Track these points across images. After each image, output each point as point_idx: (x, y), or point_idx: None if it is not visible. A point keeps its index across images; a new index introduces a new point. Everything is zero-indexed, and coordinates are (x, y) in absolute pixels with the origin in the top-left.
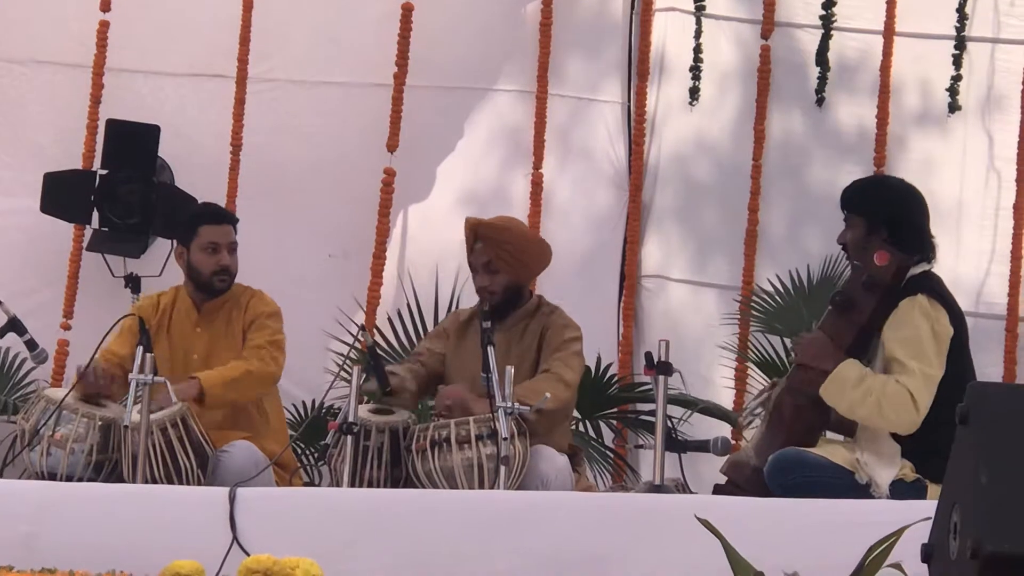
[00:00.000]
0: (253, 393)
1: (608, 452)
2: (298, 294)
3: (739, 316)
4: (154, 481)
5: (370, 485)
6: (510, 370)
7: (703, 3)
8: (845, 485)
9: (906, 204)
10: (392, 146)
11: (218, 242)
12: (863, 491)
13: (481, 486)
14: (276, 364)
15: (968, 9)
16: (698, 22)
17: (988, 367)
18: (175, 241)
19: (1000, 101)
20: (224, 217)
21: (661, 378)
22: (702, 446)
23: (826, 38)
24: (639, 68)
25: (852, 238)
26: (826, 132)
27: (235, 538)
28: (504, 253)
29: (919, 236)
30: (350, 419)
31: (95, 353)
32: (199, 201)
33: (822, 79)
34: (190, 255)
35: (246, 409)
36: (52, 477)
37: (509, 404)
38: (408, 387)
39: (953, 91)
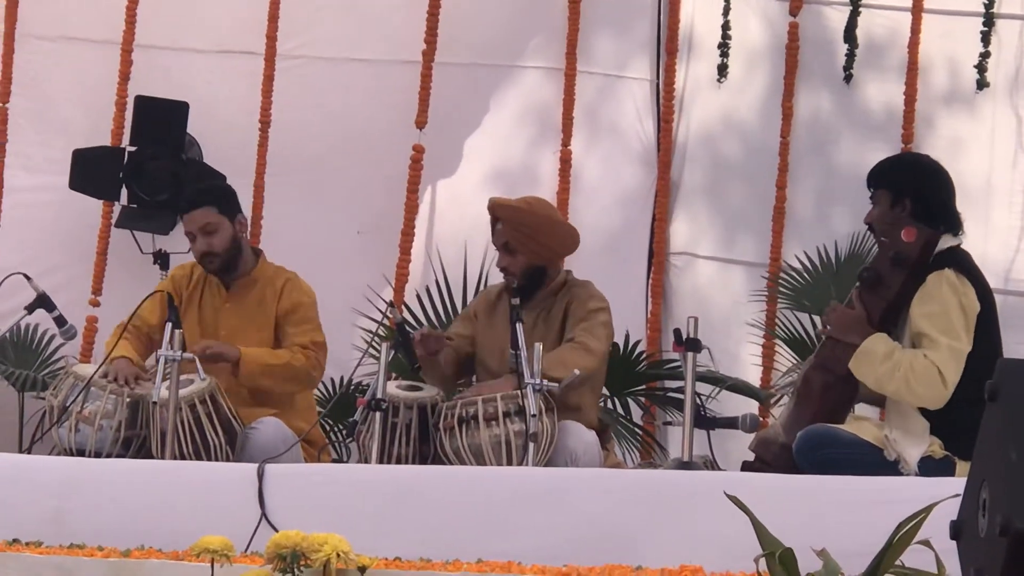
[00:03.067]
0: (287, 386)
1: (636, 429)
2: (326, 271)
3: (767, 293)
4: (183, 457)
5: (398, 462)
6: (538, 347)
7: None
8: (873, 462)
9: (929, 176)
10: (421, 123)
11: (191, 231)
12: (892, 468)
13: (509, 463)
14: (319, 369)
15: None
16: None
17: (1017, 344)
18: None
19: None
20: (192, 203)
21: (690, 355)
22: (730, 423)
23: (854, 15)
24: (668, 45)
25: (879, 212)
26: (854, 110)
27: (263, 514)
28: (520, 235)
29: (943, 209)
30: (378, 396)
31: (121, 334)
32: (227, 177)
33: (850, 57)
34: None
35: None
36: (81, 453)
37: (537, 381)
38: (445, 371)
39: (981, 68)
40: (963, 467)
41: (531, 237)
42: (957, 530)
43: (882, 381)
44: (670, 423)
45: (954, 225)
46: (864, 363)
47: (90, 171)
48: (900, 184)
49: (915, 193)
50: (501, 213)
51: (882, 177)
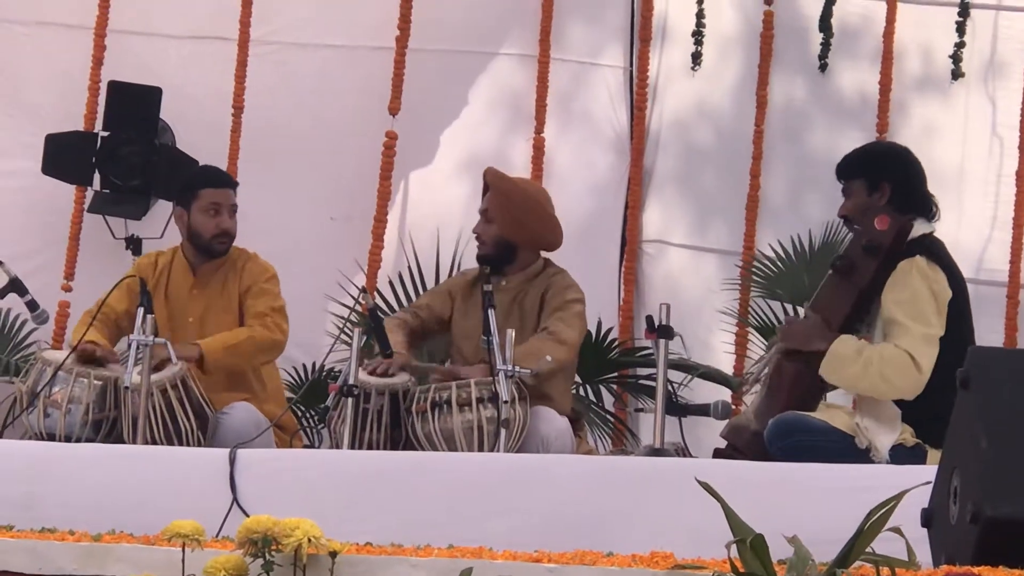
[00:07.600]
0: (256, 359)
1: (608, 416)
2: (299, 256)
3: (740, 281)
4: (154, 443)
5: (370, 447)
6: (511, 333)
7: None
8: (845, 449)
9: (904, 161)
10: (394, 109)
11: (220, 203)
12: (863, 455)
13: (481, 449)
14: (281, 332)
15: None
16: None
17: (989, 334)
18: (174, 203)
19: (1003, 68)
20: (225, 180)
21: (662, 341)
22: (702, 410)
23: (829, 3)
24: (641, 33)
25: (855, 203)
26: (828, 98)
27: (235, 499)
28: (501, 204)
29: (918, 195)
30: (350, 381)
31: (93, 319)
32: (200, 163)
33: (825, 45)
34: (190, 217)
35: (243, 372)
36: (51, 438)
37: (510, 367)
38: (395, 337)
39: (956, 58)
40: (934, 455)
41: (510, 210)
42: (928, 517)
43: (856, 380)
44: (642, 410)
45: (930, 210)
46: (836, 367)
47: (63, 156)
48: (876, 171)
49: (893, 178)
50: (491, 180)
51: (855, 168)
